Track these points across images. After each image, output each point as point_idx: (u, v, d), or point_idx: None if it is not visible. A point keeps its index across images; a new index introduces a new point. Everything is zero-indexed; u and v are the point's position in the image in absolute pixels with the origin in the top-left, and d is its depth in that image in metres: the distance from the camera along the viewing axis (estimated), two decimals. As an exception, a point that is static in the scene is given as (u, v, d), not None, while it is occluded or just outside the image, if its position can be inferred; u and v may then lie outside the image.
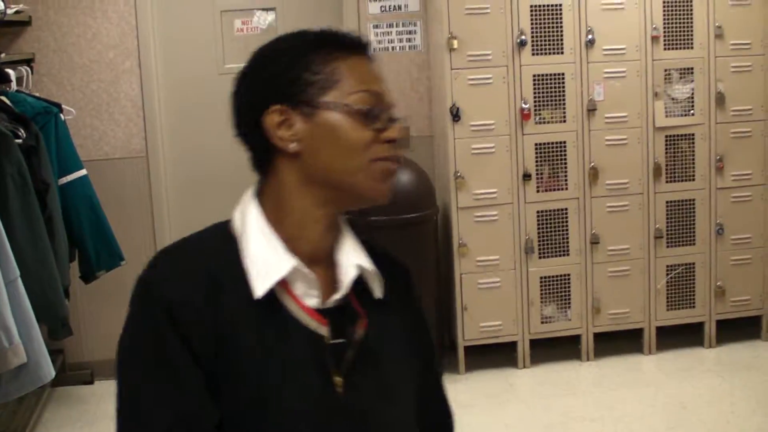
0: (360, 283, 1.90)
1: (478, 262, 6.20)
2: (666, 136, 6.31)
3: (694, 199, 6.41)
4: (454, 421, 2.16)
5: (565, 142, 6.19)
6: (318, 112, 1.80)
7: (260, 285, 1.77)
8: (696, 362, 6.42)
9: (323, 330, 1.81)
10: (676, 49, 6.26)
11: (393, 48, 6.55)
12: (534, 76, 6.10)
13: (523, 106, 6.08)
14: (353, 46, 1.87)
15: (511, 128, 6.11)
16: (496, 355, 6.42)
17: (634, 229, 6.36)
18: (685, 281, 6.48)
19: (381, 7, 6.52)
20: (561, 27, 6.11)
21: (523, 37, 6.04)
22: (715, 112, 6.36)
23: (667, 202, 6.37)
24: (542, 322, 6.30)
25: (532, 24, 6.07)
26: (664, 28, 6.22)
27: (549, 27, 6.10)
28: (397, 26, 6.55)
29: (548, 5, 6.08)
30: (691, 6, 6.23)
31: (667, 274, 6.42)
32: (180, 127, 6.54)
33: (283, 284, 1.80)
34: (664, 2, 6.20)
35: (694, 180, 6.39)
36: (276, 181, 1.87)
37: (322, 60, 1.82)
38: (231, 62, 6.55)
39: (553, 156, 6.20)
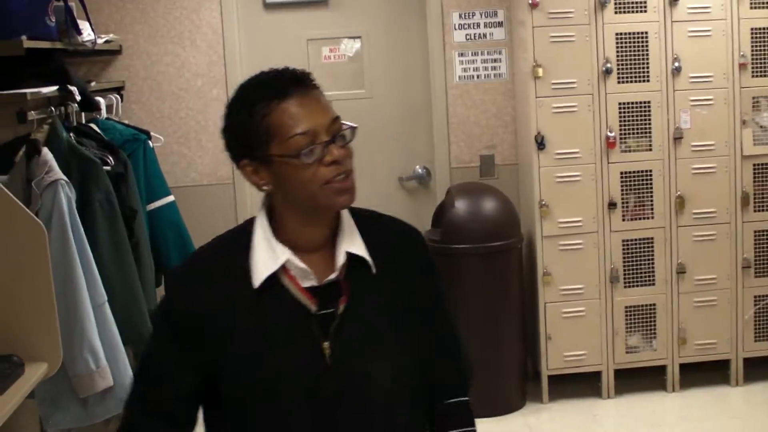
0: (360, 259, 2.33)
1: (563, 291, 6.17)
2: (754, 165, 6.23)
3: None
4: (467, 371, 2.64)
5: (651, 171, 6.14)
6: (271, 162, 2.23)
7: (257, 278, 2.25)
8: (783, 393, 6.34)
9: (312, 305, 2.27)
10: (765, 76, 6.19)
11: (478, 77, 6.55)
12: (620, 104, 6.07)
13: (609, 134, 6.05)
14: (280, 91, 2.23)
15: (596, 157, 6.08)
16: (580, 384, 6.37)
17: (721, 258, 6.28)
18: (774, 312, 6.39)
19: (467, 35, 6.53)
20: (647, 55, 6.07)
21: (609, 65, 6.01)
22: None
23: (755, 231, 6.28)
24: (627, 352, 6.24)
25: (617, 52, 6.04)
26: (752, 55, 6.15)
27: (635, 55, 6.07)
28: (482, 54, 6.56)
29: (634, 33, 6.05)
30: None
31: (755, 305, 6.33)
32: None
33: (284, 270, 2.28)
34: (751, 29, 6.13)
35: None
36: (272, 202, 2.34)
37: (258, 119, 2.21)
38: (325, 89, 6.55)
39: (638, 184, 6.15)
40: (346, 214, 2.38)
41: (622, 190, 6.15)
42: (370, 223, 2.44)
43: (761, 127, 6.22)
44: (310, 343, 2.26)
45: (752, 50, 6.16)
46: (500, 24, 6.56)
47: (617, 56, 6.05)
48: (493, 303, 6.04)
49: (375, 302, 2.35)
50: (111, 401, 4.34)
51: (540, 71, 5.98)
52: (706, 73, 6.13)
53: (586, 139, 6.08)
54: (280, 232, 2.31)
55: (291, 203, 2.28)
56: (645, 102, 6.10)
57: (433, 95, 6.59)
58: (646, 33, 6.07)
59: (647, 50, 6.08)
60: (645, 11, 6.06)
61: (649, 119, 6.12)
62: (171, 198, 5.63)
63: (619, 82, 6.06)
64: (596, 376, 6.30)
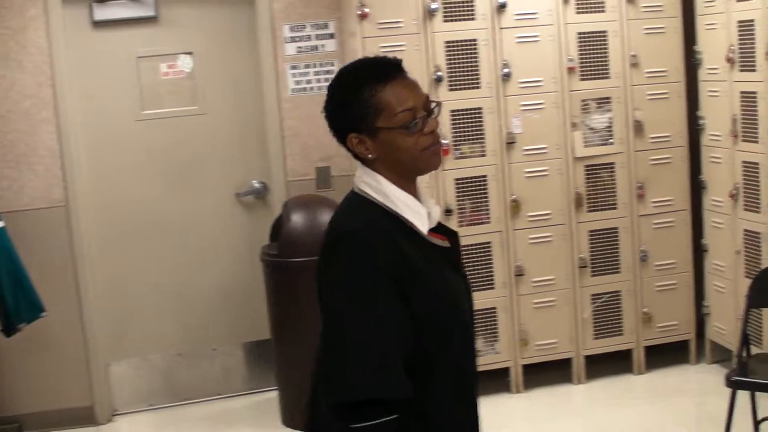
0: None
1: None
2: (586, 166, 6.36)
3: (617, 228, 6.46)
4: None
5: (485, 176, 6.21)
6: (378, 134, 2.61)
7: (423, 226, 2.66)
8: (626, 390, 6.46)
9: (446, 243, 2.75)
10: (593, 79, 6.32)
11: (311, 89, 6.56)
12: (452, 111, 6.12)
13: (443, 142, 6.07)
14: (386, 75, 2.61)
15: (431, 164, 6.11)
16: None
17: (558, 259, 6.39)
18: (612, 309, 6.52)
19: (298, 48, 6.52)
20: (477, 62, 6.14)
21: (440, 73, 6.07)
22: (633, 140, 6.42)
23: (589, 231, 6.41)
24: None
25: (447, 60, 6.10)
26: (580, 59, 6.28)
27: (465, 62, 6.14)
28: (314, 66, 6.55)
29: (463, 40, 6.12)
30: (606, 36, 6.30)
31: (593, 303, 6.46)
32: (101, 175, 6.49)
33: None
34: (578, 33, 6.26)
35: (616, 208, 6.45)
36: (374, 169, 2.66)
37: (368, 96, 2.58)
38: (155, 107, 6.53)
39: (474, 190, 6.21)
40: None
41: (458, 197, 6.20)
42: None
43: (591, 129, 6.35)
44: (456, 273, 2.76)
45: (579, 54, 6.28)
46: (332, 36, 6.56)
47: (447, 64, 6.11)
48: (335, 315, 6.01)
49: (457, 240, 2.85)
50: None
51: (371, 81, 5.99)
52: (535, 78, 6.24)
53: (420, 148, 6.10)
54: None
55: (392, 168, 2.65)
56: (477, 108, 6.17)
57: (267, 109, 6.56)
58: (475, 40, 6.14)
59: (477, 57, 6.15)
60: (473, 19, 6.14)
61: (482, 125, 6.19)
62: (1, 223, 5.51)
63: (450, 90, 6.12)
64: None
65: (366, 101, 2.59)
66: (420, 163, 2.66)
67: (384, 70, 2.64)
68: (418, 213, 2.65)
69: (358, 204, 2.67)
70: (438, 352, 2.61)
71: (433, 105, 2.67)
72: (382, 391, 2.47)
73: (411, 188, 2.70)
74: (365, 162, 2.69)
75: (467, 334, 2.76)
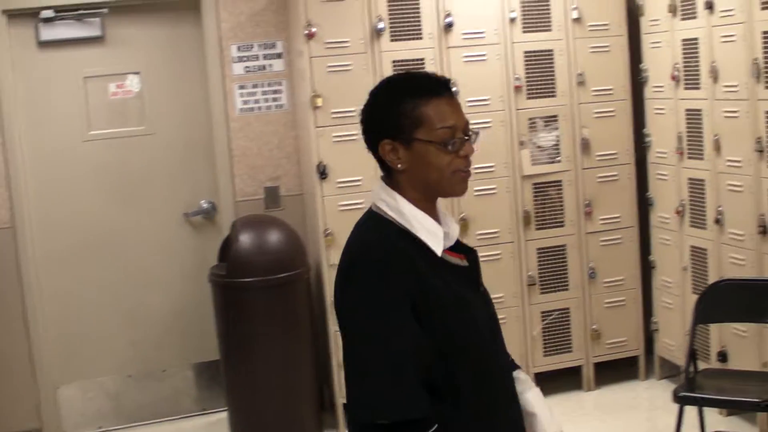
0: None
1: (352, 319, 6.17)
2: (534, 184, 6.39)
3: (564, 245, 6.49)
4: None
5: (433, 195, 6.21)
6: (414, 144, 2.61)
7: (437, 247, 2.65)
8: (576, 406, 6.48)
9: (464, 262, 2.75)
10: (540, 97, 6.35)
11: (259, 108, 6.55)
12: (399, 130, 6.12)
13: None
14: (433, 91, 2.63)
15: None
16: (376, 410, 6.38)
17: (507, 277, 6.40)
18: (561, 326, 6.54)
19: (246, 68, 6.52)
20: (424, 81, 6.15)
21: (387, 92, 6.06)
22: (581, 158, 6.46)
23: (538, 249, 6.44)
24: None
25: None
26: (526, 77, 6.31)
27: (412, 81, 6.14)
28: (262, 86, 6.55)
29: (410, 60, 6.14)
30: (552, 55, 6.35)
31: (543, 320, 6.48)
32: (48, 196, 6.45)
33: None
34: (525, 52, 6.30)
35: (563, 226, 6.48)
36: (397, 182, 2.67)
37: (411, 107, 2.60)
38: (103, 127, 6.50)
39: (422, 209, 6.21)
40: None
41: (407, 216, 6.19)
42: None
43: (538, 147, 6.38)
44: (475, 291, 2.75)
45: (526, 73, 6.32)
46: (279, 55, 6.56)
47: (395, 83, 6.11)
48: (284, 334, 6.01)
49: (476, 258, 2.85)
50: None
51: (319, 101, 6.00)
52: (482, 97, 6.26)
53: (369, 168, 6.06)
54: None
55: (417, 183, 2.66)
56: (425, 127, 6.17)
57: (215, 129, 6.55)
58: (423, 59, 6.16)
59: (424, 76, 6.15)
60: (420, 38, 6.16)
61: (431, 144, 6.18)
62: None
63: (397, 110, 6.11)
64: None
65: (408, 111, 2.61)
66: (446, 185, 2.66)
67: (432, 86, 2.66)
68: (433, 234, 2.65)
69: (375, 223, 2.67)
70: (458, 370, 2.62)
71: (471, 132, 2.68)
72: (398, 412, 2.49)
73: (430, 207, 2.70)
74: (389, 175, 2.69)
75: (487, 352, 2.71)
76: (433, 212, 2.70)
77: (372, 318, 2.54)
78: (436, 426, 2.52)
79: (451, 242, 2.74)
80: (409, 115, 2.60)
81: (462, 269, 2.74)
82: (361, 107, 2.74)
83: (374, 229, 2.66)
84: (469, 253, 2.80)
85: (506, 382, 2.80)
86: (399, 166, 2.63)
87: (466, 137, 2.65)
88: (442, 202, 2.73)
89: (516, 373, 2.88)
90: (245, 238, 5.96)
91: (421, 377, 2.53)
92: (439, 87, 2.66)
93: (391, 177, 2.69)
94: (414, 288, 2.54)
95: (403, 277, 2.54)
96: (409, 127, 2.60)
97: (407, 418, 2.48)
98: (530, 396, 2.87)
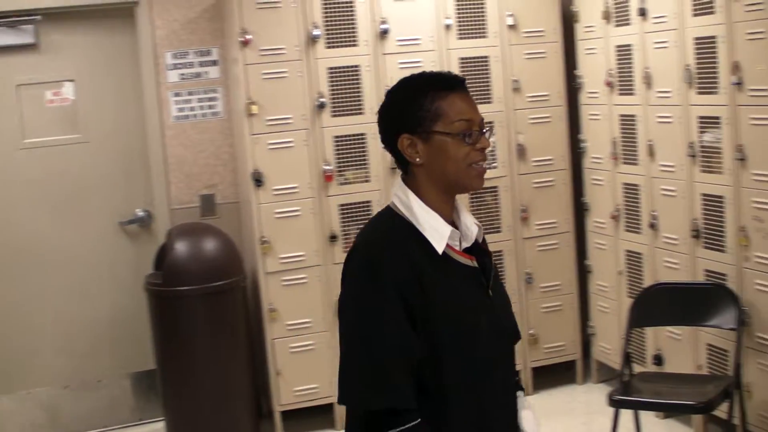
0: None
1: (290, 326, 6.16)
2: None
3: (501, 251, 6.49)
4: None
5: (370, 201, 6.22)
6: (432, 138, 2.67)
7: (439, 245, 2.68)
8: (514, 411, 6.47)
9: (473, 263, 2.75)
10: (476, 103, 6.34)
11: (195, 116, 6.52)
12: (336, 137, 6.13)
13: (326, 167, 6.10)
14: (449, 86, 2.70)
15: (315, 190, 6.12)
16: (315, 418, 6.38)
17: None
18: (499, 332, 6.54)
19: (181, 75, 6.49)
20: (360, 88, 6.17)
21: (322, 99, 6.07)
22: (517, 163, 6.48)
23: (475, 254, 6.44)
24: None
25: (330, 86, 6.11)
26: (462, 83, 6.31)
27: (348, 89, 6.15)
28: (198, 93, 6.52)
29: (346, 66, 6.14)
30: (488, 61, 6.37)
31: (480, 326, 6.47)
32: (-19, 205, 6.40)
33: None
34: (460, 59, 6.34)
35: (500, 232, 6.50)
36: (414, 177, 2.74)
37: (429, 101, 2.67)
38: (38, 135, 6.43)
39: (358, 216, 6.21)
40: (457, 199, 2.83)
41: (343, 223, 6.20)
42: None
43: (474, 153, 6.37)
44: (482, 292, 2.76)
45: (462, 77, 6.29)
46: (215, 62, 6.54)
47: (330, 90, 6.11)
48: (220, 343, 5.96)
49: (490, 262, 2.85)
50: None
51: (254, 108, 5.97)
52: (418, 103, 6.25)
53: (304, 174, 6.10)
54: (430, 207, 2.74)
55: (434, 177, 2.71)
56: (361, 134, 6.18)
57: (150, 136, 6.51)
58: (358, 66, 6.15)
59: (360, 83, 6.16)
60: (356, 45, 6.15)
61: (366, 151, 6.20)
62: None
63: (333, 116, 6.12)
64: (330, 407, 6.32)
65: (426, 105, 2.67)
66: (464, 178, 2.70)
67: (447, 82, 2.73)
68: (437, 232, 2.69)
69: (384, 218, 2.77)
70: (447, 369, 2.67)
71: (487, 127, 2.75)
72: (377, 402, 2.60)
73: (447, 204, 2.75)
74: (407, 172, 2.76)
75: (484, 357, 2.73)
76: (447, 209, 2.75)
77: (363, 314, 2.65)
78: (419, 420, 2.59)
79: (468, 242, 2.77)
80: (427, 110, 2.67)
81: (471, 270, 2.76)
82: (378, 107, 2.81)
83: (381, 224, 2.77)
84: (484, 255, 2.82)
85: (503, 394, 2.85)
86: (417, 159, 2.70)
87: (482, 132, 2.71)
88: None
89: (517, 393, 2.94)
90: (180, 247, 5.92)
91: (409, 373, 2.61)
92: (455, 83, 2.73)
93: (408, 174, 2.76)
94: (409, 286, 2.61)
95: (397, 272, 2.61)
96: (428, 121, 2.67)
97: (386, 408, 2.59)
98: (522, 416, 2.92)
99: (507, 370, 2.87)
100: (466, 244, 2.77)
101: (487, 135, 2.72)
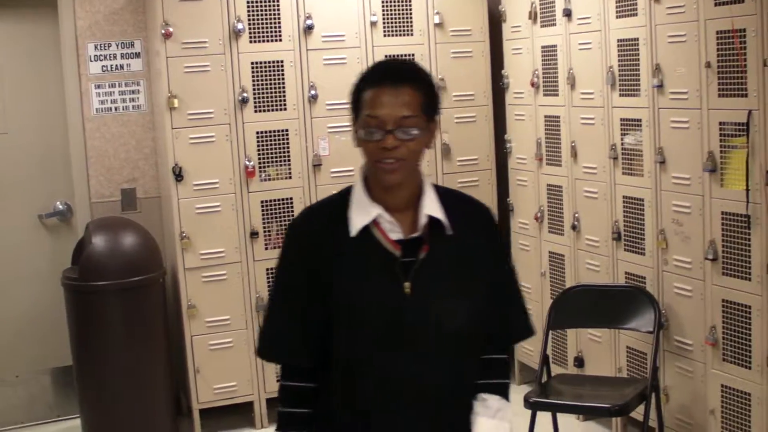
0: (439, 221, 2.77)
1: (209, 323, 6.10)
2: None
3: None
4: (521, 332, 3.11)
5: (291, 198, 6.18)
6: (356, 127, 2.73)
7: (354, 228, 2.73)
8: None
9: (397, 252, 2.73)
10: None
11: (116, 108, 6.44)
12: (258, 133, 6.09)
13: (248, 163, 6.04)
14: (377, 79, 2.71)
15: (236, 186, 6.07)
16: (233, 416, 6.33)
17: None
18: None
19: (103, 67, 6.40)
20: (283, 84, 6.13)
21: (245, 94, 6.02)
22: (442, 163, 6.47)
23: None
24: (278, 381, 6.20)
25: (253, 81, 6.06)
26: (387, 81, 6.28)
27: (271, 84, 6.11)
28: (120, 86, 6.44)
29: (270, 62, 6.10)
30: (413, 59, 6.32)
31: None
32: None
33: (376, 224, 2.74)
34: (386, 56, 6.26)
35: None
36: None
37: (358, 91, 2.72)
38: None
39: (280, 212, 6.17)
40: (428, 185, 2.83)
41: (264, 219, 6.15)
42: (450, 194, 2.90)
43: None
44: (393, 282, 2.72)
45: (387, 76, 6.28)
46: (137, 55, 6.46)
47: (253, 85, 6.06)
48: (138, 339, 5.87)
49: (449, 255, 2.79)
50: None
51: (176, 102, 5.91)
52: (343, 101, 6.16)
53: (225, 169, 6.05)
54: (373, 193, 2.76)
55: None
56: (283, 130, 6.14)
57: (70, 129, 6.42)
58: (282, 61, 6.11)
59: (283, 79, 6.12)
60: (280, 40, 6.11)
61: (288, 147, 6.15)
62: None
63: (256, 111, 6.08)
64: (249, 406, 6.26)
65: (357, 95, 2.74)
66: (375, 172, 2.73)
67: (381, 75, 2.74)
68: (362, 212, 2.74)
69: (338, 192, 2.87)
70: (337, 345, 2.77)
71: (410, 127, 2.67)
72: (270, 356, 2.92)
73: (395, 195, 2.75)
74: None
75: (382, 334, 2.72)
76: (392, 197, 2.75)
77: (278, 272, 2.87)
78: (310, 384, 2.83)
79: (416, 232, 2.74)
80: (356, 99, 2.75)
81: (393, 258, 2.73)
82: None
83: (328, 197, 2.92)
84: (417, 247, 2.75)
85: (418, 378, 2.75)
86: (356, 146, 2.77)
87: (391, 131, 2.66)
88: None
89: (485, 396, 2.87)
90: (98, 241, 5.82)
91: (305, 335, 2.79)
92: (382, 77, 2.73)
93: None
94: (314, 254, 2.76)
95: (306, 247, 2.77)
96: (357, 111, 2.74)
97: (277, 362, 2.92)
98: (476, 421, 2.84)
99: (428, 360, 2.74)
100: (415, 234, 2.75)
101: (404, 134, 2.65)
